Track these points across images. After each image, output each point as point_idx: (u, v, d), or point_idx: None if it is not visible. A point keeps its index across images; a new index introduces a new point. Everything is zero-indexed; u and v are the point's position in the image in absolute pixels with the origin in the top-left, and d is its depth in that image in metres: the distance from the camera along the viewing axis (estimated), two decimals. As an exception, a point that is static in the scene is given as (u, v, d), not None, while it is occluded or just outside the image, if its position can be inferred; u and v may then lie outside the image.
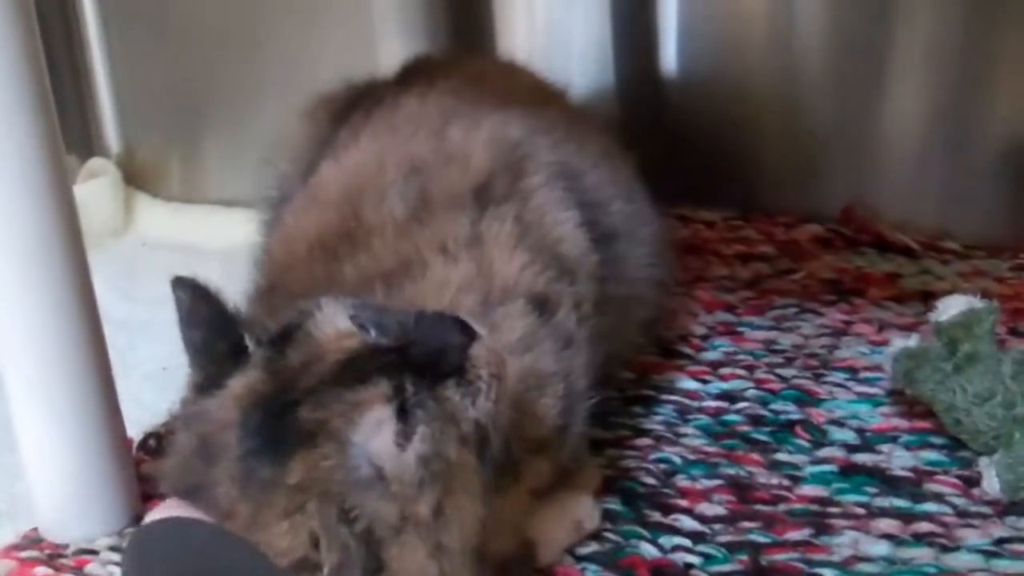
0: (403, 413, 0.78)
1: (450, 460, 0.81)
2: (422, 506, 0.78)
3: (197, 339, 0.84)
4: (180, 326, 0.85)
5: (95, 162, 2.18)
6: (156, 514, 0.81)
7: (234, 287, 1.13)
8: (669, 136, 1.84)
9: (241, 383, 0.81)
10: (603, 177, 1.26)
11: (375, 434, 0.77)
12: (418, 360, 0.80)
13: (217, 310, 0.85)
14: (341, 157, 1.20)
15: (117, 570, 1.07)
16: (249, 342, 0.84)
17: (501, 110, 1.23)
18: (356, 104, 1.35)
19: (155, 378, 1.36)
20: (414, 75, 1.39)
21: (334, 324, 0.83)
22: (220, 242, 1.88)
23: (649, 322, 1.35)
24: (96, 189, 2.09)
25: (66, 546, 1.12)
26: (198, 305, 0.84)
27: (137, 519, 1.15)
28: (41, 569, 1.08)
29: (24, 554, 1.11)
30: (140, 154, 2.24)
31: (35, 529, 1.15)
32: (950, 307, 1.17)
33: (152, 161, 2.23)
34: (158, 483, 0.87)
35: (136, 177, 2.22)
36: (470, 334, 0.82)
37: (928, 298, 1.42)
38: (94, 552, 1.11)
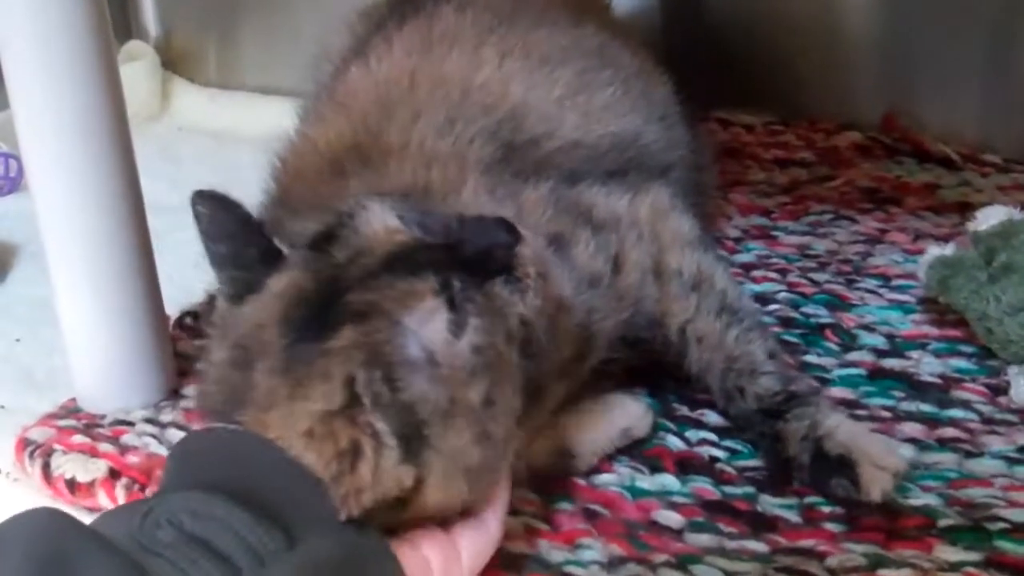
0: (453, 306, 0.79)
1: (500, 353, 0.82)
2: (472, 393, 0.79)
3: (224, 251, 0.83)
4: (204, 240, 0.83)
5: (133, 45, 2.18)
6: None
7: (267, 175, 1.15)
8: (711, 38, 1.82)
9: (280, 284, 0.80)
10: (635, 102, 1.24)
11: (428, 320, 0.77)
12: (466, 258, 0.81)
13: (241, 219, 0.83)
14: (372, 65, 1.20)
15: (152, 440, 1.10)
16: (281, 246, 0.83)
17: (536, 29, 1.23)
18: (394, 7, 1.34)
19: (191, 259, 1.37)
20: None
21: (381, 222, 0.83)
22: (255, 129, 1.87)
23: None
24: (133, 72, 2.09)
25: (103, 417, 1.15)
26: (221, 216, 0.82)
27: (173, 393, 1.17)
28: (78, 437, 1.11)
29: (62, 423, 1.14)
30: (178, 39, 2.24)
31: (73, 399, 1.18)
32: (989, 217, 1.16)
33: (190, 46, 2.23)
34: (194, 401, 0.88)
35: (173, 62, 2.22)
36: (516, 235, 0.83)
37: (966, 210, 1.40)
38: (130, 423, 1.14)
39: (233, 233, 0.82)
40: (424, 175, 1.00)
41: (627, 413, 1.06)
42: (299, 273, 0.80)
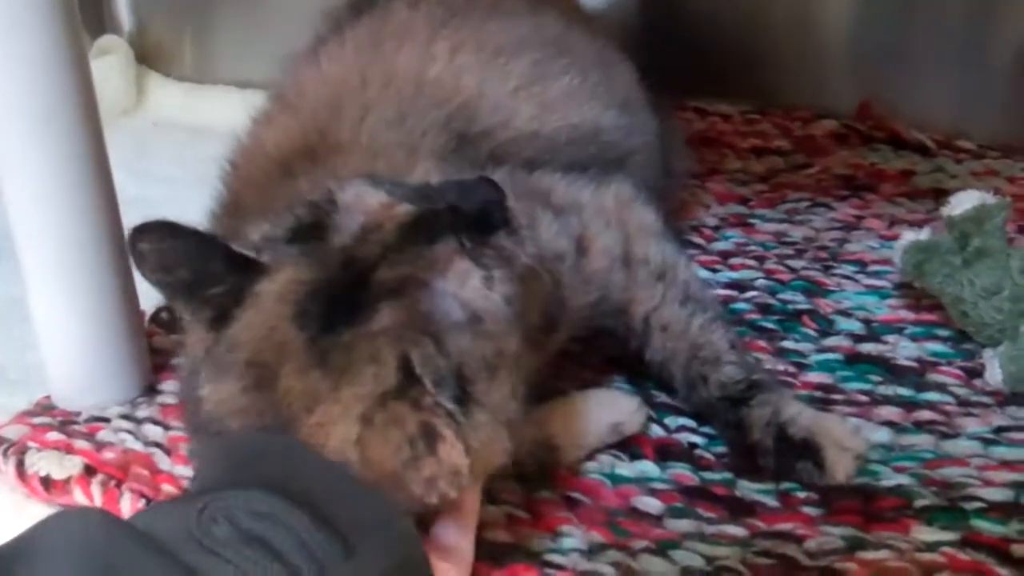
0: (476, 262, 0.79)
1: (520, 300, 0.82)
2: (512, 342, 0.79)
3: (184, 276, 0.79)
4: (156, 278, 0.79)
5: (107, 39, 2.17)
6: None
7: (218, 179, 1.14)
8: (687, 28, 1.83)
9: (275, 285, 0.78)
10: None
11: (465, 280, 0.78)
12: (468, 218, 0.80)
13: (193, 238, 0.79)
14: (323, 64, 1.19)
15: (128, 437, 1.10)
16: (244, 252, 0.79)
17: (490, 20, 1.22)
18: (352, 6, 1.34)
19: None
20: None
21: (372, 198, 0.81)
22: (231, 123, 1.86)
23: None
24: (107, 66, 2.07)
25: (78, 414, 1.14)
26: (168, 244, 0.78)
27: (149, 389, 1.17)
28: (53, 435, 1.10)
29: (36, 420, 1.13)
30: (151, 32, 2.22)
31: (47, 397, 1.17)
32: (962, 202, 1.16)
33: (164, 40, 2.22)
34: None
35: (148, 56, 2.21)
36: (501, 190, 0.83)
37: (940, 196, 1.41)
38: (106, 420, 1.13)
39: (189, 255, 0.78)
40: (370, 165, 0.98)
41: (618, 408, 1.06)
42: (297, 268, 0.78)
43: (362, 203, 0.81)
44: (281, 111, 1.14)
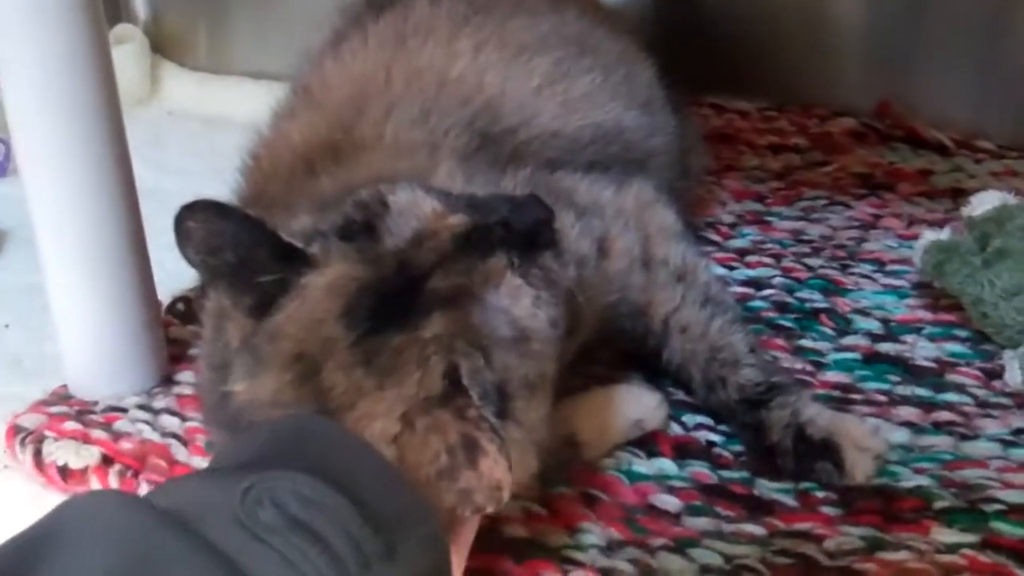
0: (526, 280, 0.79)
1: (563, 323, 0.82)
2: (552, 365, 0.80)
3: (230, 259, 0.77)
4: (199, 257, 0.78)
5: (122, 28, 2.16)
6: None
7: (239, 172, 1.14)
8: (705, 24, 1.82)
9: (326, 278, 0.77)
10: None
11: (517, 298, 0.78)
12: (519, 235, 0.80)
13: (240, 221, 0.78)
14: (346, 59, 1.19)
15: (145, 427, 1.10)
16: (293, 241, 0.79)
17: (512, 17, 1.22)
18: (371, 1, 1.33)
19: (180, 246, 1.37)
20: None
21: (426, 205, 0.81)
22: (246, 114, 1.85)
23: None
24: (122, 56, 2.06)
25: (95, 403, 1.14)
26: (218, 225, 0.77)
27: (166, 379, 1.17)
28: (70, 424, 1.10)
29: (53, 409, 1.13)
30: (167, 22, 2.22)
31: (64, 386, 1.17)
32: (984, 202, 1.16)
33: (179, 29, 2.21)
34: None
35: (163, 45, 2.20)
36: (551, 210, 0.83)
37: (959, 196, 1.41)
38: (123, 410, 1.13)
39: (235, 237, 0.77)
40: (392, 165, 0.98)
41: (640, 404, 1.06)
42: (349, 265, 0.77)
43: (416, 208, 0.81)
44: (306, 106, 1.14)
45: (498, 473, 0.71)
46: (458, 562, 0.79)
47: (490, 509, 0.71)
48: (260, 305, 0.78)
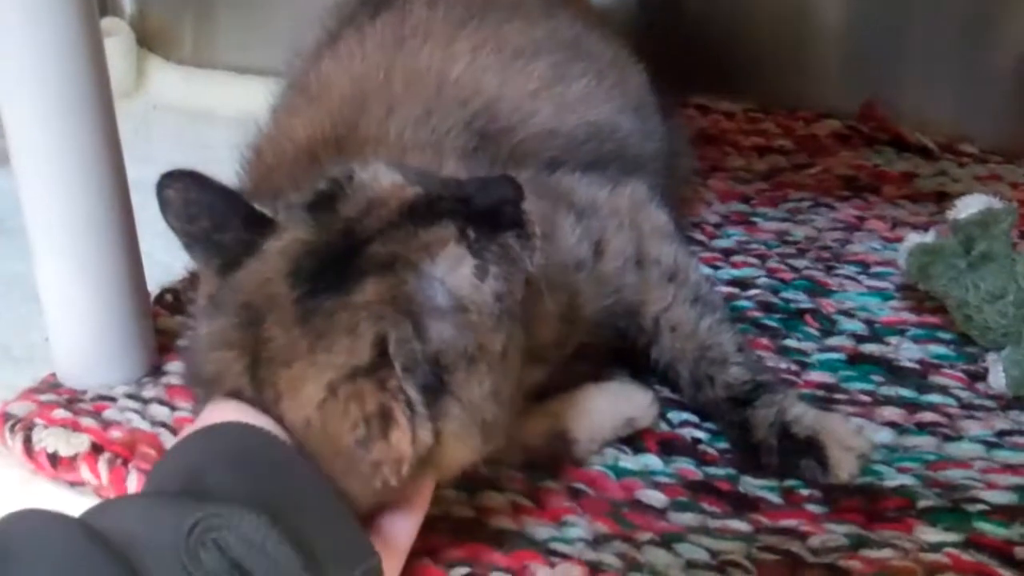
0: (474, 253, 0.79)
1: (516, 303, 0.82)
2: (496, 340, 0.80)
3: (204, 225, 0.81)
4: (177, 223, 0.82)
5: (108, 22, 2.15)
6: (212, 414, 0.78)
7: (238, 156, 1.14)
8: (692, 25, 1.83)
9: (281, 242, 0.80)
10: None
11: (455, 267, 0.78)
12: (478, 211, 0.81)
13: (218, 190, 0.82)
14: (345, 59, 1.19)
15: (134, 416, 1.10)
16: (264, 211, 0.82)
17: (508, 21, 1.23)
18: (364, 0, 1.34)
19: (167, 237, 1.36)
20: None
21: (386, 177, 0.83)
22: (231, 108, 1.87)
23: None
24: (108, 49, 2.04)
25: (84, 392, 1.14)
26: (195, 194, 0.81)
27: (154, 369, 1.17)
28: (60, 412, 1.10)
29: (43, 397, 1.13)
30: (153, 16, 2.21)
31: (53, 375, 1.17)
32: (969, 205, 1.17)
33: (165, 24, 2.21)
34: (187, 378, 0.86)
35: (148, 39, 2.20)
36: (520, 190, 0.83)
37: (943, 199, 1.43)
38: (112, 399, 1.13)
39: (211, 206, 0.81)
40: (400, 160, 0.98)
41: (632, 402, 1.07)
42: (304, 229, 0.80)
43: (377, 179, 0.83)
44: (307, 102, 1.14)
45: (403, 445, 0.73)
46: (407, 529, 0.82)
47: (392, 483, 0.74)
48: (227, 265, 0.81)
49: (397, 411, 0.73)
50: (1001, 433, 1.05)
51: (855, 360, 1.17)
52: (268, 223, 0.82)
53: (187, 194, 0.81)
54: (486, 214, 0.81)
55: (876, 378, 1.14)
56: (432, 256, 0.78)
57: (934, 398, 1.10)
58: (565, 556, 0.91)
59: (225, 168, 1.06)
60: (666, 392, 1.12)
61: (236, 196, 0.83)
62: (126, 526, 0.65)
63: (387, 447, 0.73)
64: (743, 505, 0.97)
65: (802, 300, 1.29)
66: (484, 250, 0.80)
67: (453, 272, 0.78)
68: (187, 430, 0.78)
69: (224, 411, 0.77)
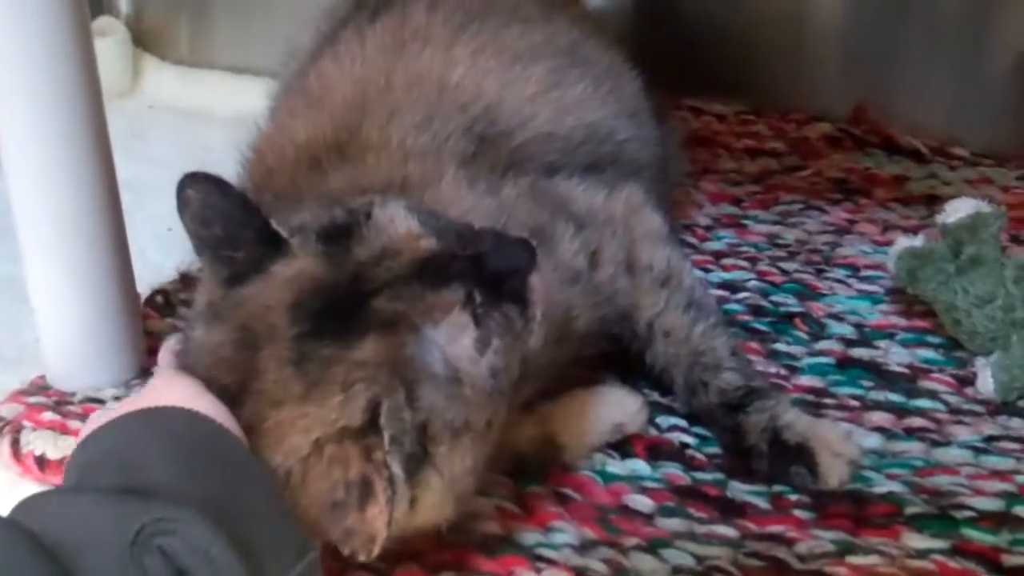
0: (477, 322, 0.79)
1: (510, 380, 0.82)
2: (483, 417, 0.79)
3: (218, 232, 0.81)
4: (192, 226, 0.81)
5: (103, 21, 2.15)
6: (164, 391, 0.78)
7: (239, 156, 1.14)
8: (685, 28, 1.83)
9: (290, 270, 0.80)
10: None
11: (457, 337, 0.78)
12: (487, 274, 0.80)
13: (238, 200, 0.82)
14: (345, 62, 1.20)
15: (123, 420, 1.09)
16: (280, 230, 0.82)
17: (507, 26, 1.23)
18: (361, 2, 1.34)
19: (161, 238, 1.37)
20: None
21: (403, 224, 0.82)
22: (227, 108, 1.87)
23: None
24: (104, 49, 2.03)
25: (73, 394, 1.14)
26: (214, 199, 0.81)
27: (143, 371, 1.17)
28: (48, 414, 1.10)
29: (31, 399, 1.13)
30: (149, 15, 2.21)
31: (42, 376, 1.17)
32: (957, 209, 1.17)
33: (161, 23, 2.20)
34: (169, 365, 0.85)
35: (144, 39, 2.19)
36: (534, 260, 0.83)
37: (933, 202, 1.42)
38: (101, 401, 1.13)
39: (228, 214, 0.81)
40: (401, 170, 1.00)
41: (622, 408, 1.07)
42: (313, 262, 0.80)
43: (392, 226, 0.82)
44: (307, 105, 1.14)
45: (378, 524, 0.73)
46: None
47: (361, 558, 0.73)
48: (233, 278, 0.81)
49: (378, 487, 0.73)
50: (989, 438, 1.05)
51: (844, 364, 1.17)
52: (280, 242, 0.81)
53: (207, 198, 0.80)
54: (496, 278, 0.81)
55: (865, 383, 1.14)
56: (436, 321, 0.77)
57: (923, 403, 1.11)
58: (552, 562, 0.91)
59: (221, 168, 1.05)
60: (655, 396, 1.12)
61: (254, 209, 0.82)
62: (63, 527, 0.64)
63: (361, 519, 0.73)
64: (730, 510, 0.97)
65: (792, 303, 1.29)
66: (487, 318, 0.80)
67: (454, 342, 0.78)
68: (124, 402, 0.79)
69: (172, 390, 0.77)
